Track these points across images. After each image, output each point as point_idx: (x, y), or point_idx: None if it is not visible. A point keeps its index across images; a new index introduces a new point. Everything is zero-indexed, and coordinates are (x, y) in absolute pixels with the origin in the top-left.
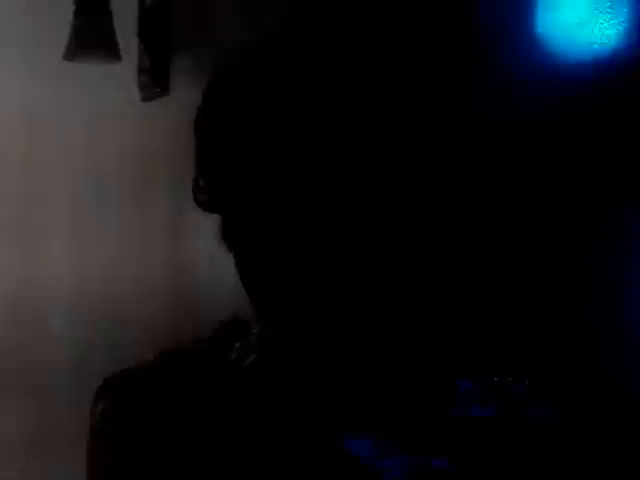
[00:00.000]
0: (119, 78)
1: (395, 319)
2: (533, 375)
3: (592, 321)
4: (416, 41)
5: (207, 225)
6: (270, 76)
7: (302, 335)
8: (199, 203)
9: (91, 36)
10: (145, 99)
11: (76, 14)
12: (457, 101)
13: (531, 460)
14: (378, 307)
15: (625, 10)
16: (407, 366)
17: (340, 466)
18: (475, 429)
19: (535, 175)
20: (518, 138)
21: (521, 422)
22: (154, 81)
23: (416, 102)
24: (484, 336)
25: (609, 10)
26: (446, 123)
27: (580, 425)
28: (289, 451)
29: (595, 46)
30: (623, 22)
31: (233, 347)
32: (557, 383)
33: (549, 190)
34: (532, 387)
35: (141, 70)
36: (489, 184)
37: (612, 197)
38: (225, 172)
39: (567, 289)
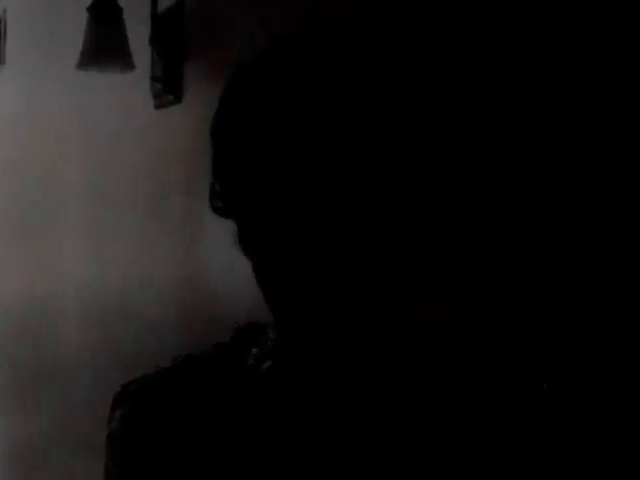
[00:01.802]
0: (132, 86)
1: (411, 321)
2: (551, 378)
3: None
4: (426, 44)
5: (223, 230)
6: (286, 80)
7: (319, 340)
8: (215, 208)
9: (104, 45)
10: (158, 106)
11: (89, 23)
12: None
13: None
14: (394, 311)
15: None
16: (422, 367)
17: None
18: (489, 428)
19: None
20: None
21: (533, 423)
22: (167, 88)
23: (436, 102)
24: (499, 337)
25: None
26: (469, 128)
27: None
28: (305, 457)
29: None
30: None
31: (250, 352)
32: (574, 387)
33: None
34: (550, 391)
35: (154, 78)
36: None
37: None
38: (241, 177)
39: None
